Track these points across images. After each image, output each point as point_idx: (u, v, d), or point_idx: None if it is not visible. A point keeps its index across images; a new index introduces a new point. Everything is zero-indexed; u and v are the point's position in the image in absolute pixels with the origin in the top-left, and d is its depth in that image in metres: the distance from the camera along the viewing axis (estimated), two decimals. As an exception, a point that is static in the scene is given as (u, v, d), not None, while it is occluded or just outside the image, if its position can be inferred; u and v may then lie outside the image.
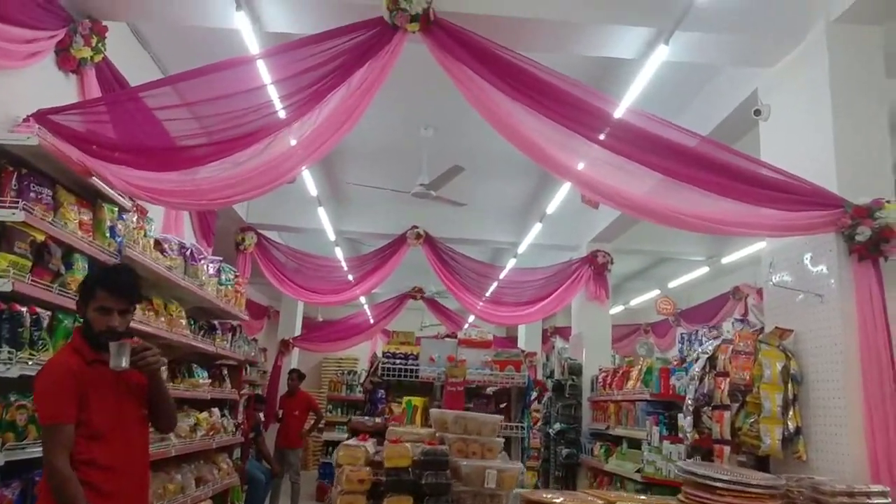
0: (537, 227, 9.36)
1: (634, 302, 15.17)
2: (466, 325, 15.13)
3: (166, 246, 5.81)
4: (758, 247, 10.00)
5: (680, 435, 5.39)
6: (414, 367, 5.60)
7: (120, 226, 4.59)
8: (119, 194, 4.51)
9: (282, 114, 4.26)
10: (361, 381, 13.38)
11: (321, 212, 9.35)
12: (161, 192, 4.13)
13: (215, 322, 7.11)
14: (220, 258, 7.06)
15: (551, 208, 8.53)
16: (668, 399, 7.00)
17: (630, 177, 4.26)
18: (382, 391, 5.49)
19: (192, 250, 6.24)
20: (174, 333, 5.69)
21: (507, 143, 6.84)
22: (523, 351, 8.45)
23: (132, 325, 4.96)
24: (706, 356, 4.67)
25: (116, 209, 4.51)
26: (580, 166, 4.34)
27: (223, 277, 7.11)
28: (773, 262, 4.83)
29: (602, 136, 4.22)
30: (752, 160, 4.39)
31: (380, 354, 17.65)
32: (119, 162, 4.17)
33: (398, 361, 5.64)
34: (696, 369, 4.70)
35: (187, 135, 4.13)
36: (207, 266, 6.68)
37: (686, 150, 4.25)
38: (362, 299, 15.08)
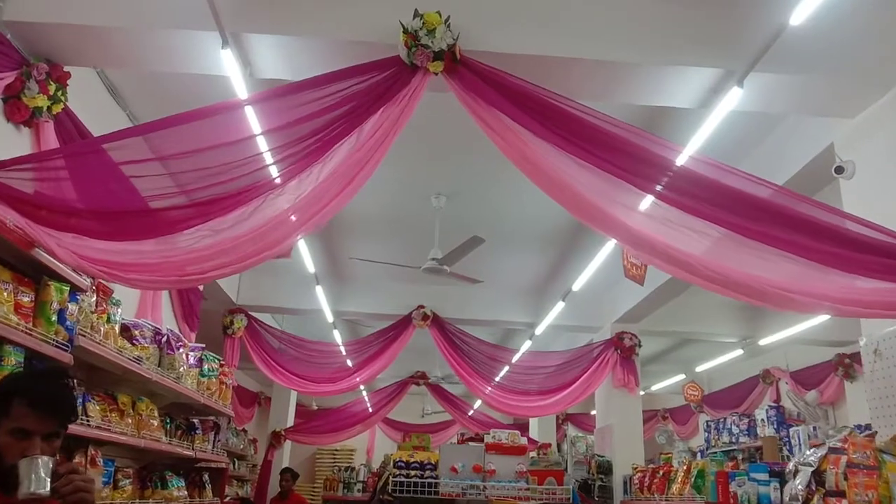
0: (559, 306, 8.46)
1: (656, 387, 14.09)
2: (471, 412, 14.07)
3: (137, 333, 4.91)
4: (802, 326, 9.12)
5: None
6: (432, 480, 4.58)
7: (72, 309, 3.68)
8: (73, 270, 3.64)
9: (275, 170, 3.44)
10: (360, 478, 12.17)
11: (319, 291, 8.47)
12: (120, 267, 3.24)
13: (195, 420, 6.10)
14: (203, 345, 6.12)
15: (577, 285, 7.66)
16: (726, 509, 5.94)
17: (695, 235, 3.40)
18: (394, 512, 4.43)
19: (168, 337, 5.32)
20: (144, 437, 4.72)
21: (528, 212, 6.06)
22: (540, 446, 7.44)
23: (89, 430, 4.03)
24: (810, 469, 3.69)
25: (67, 289, 3.61)
26: (633, 223, 3.49)
27: (206, 367, 6.15)
28: (878, 349, 3.93)
29: (661, 188, 3.41)
30: (843, 215, 3.53)
31: (378, 449, 16.44)
32: (75, 230, 3.31)
33: (413, 473, 4.63)
34: (800, 487, 3.71)
35: (161, 195, 3.28)
36: (187, 355, 5.75)
37: (758, 202, 3.40)
38: (361, 386, 14.07)
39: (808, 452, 3.83)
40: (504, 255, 8.24)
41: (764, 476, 5.82)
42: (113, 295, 4.45)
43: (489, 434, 4.82)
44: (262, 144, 3.52)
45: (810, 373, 10.79)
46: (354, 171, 3.51)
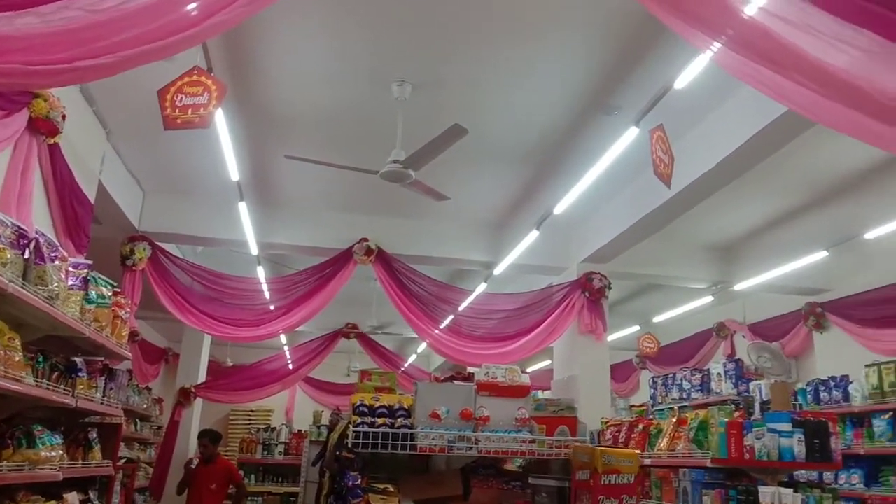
0: (531, 237, 7.34)
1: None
2: (407, 364, 12.99)
3: (-12, 228, 3.45)
4: (779, 271, 8.41)
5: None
6: (407, 430, 3.37)
7: None
8: None
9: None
10: (282, 438, 10.86)
11: (242, 209, 7.01)
12: None
13: (77, 360, 4.65)
14: (90, 262, 4.66)
15: (560, 208, 6.52)
16: (737, 466, 5.03)
17: (838, 43, 2.24)
18: (356, 474, 3.20)
19: (37, 241, 3.86)
20: (-2, 375, 3.33)
21: (508, 118, 4.86)
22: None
23: None
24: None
25: None
26: (749, 12, 2.29)
27: (93, 293, 4.68)
28: None
29: None
30: None
31: (298, 410, 15.23)
32: None
33: (381, 422, 3.40)
34: None
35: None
36: (66, 272, 4.30)
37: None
38: (282, 338, 12.72)
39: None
40: (466, 178, 7.01)
41: (786, 426, 4.96)
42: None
43: (481, 370, 3.63)
44: None
45: (773, 324, 10.18)
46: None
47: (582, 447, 2.34)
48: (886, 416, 7.21)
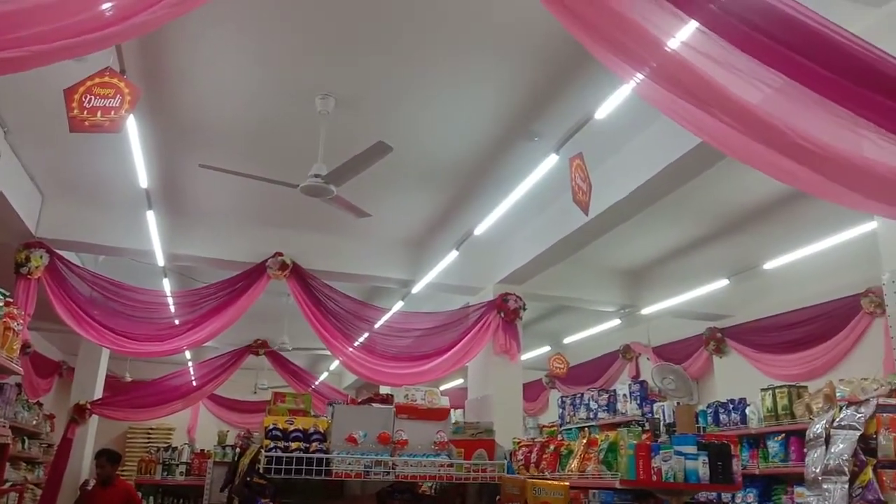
0: (451, 256, 7.35)
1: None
2: (318, 382, 12.70)
3: None
4: (683, 297, 8.75)
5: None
6: (322, 455, 3.27)
7: None
8: None
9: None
10: (184, 459, 10.35)
11: (150, 218, 6.70)
12: None
13: (-39, 376, 4.31)
14: (-22, 270, 4.33)
15: (481, 229, 6.56)
16: (645, 488, 5.14)
17: (756, 82, 2.34)
18: (267, 501, 3.08)
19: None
20: None
21: (433, 135, 4.88)
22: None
23: None
24: (852, 435, 2.82)
25: None
26: (673, 46, 2.36)
27: (-19, 303, 4.38)
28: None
29: (713, 13, 2.32)
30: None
31: (202, 428, 14.56)
32: None
33: (294, 446, 3.28)
34: (845, 457, 2.82)
35: None
36: (-49, 280, 3.97)
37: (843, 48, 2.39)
38: (187, 354, 12.22)
39: (845, 412, 2.97)
40: (387, 196, 6.96)
41: (691, 449, 5.10)
42: None
43: (401, 392, 3.58)
44: None
45: (676, 348, 10.59)
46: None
47: (511, 479, 2.32)
48: (779, 438, 7.57)
